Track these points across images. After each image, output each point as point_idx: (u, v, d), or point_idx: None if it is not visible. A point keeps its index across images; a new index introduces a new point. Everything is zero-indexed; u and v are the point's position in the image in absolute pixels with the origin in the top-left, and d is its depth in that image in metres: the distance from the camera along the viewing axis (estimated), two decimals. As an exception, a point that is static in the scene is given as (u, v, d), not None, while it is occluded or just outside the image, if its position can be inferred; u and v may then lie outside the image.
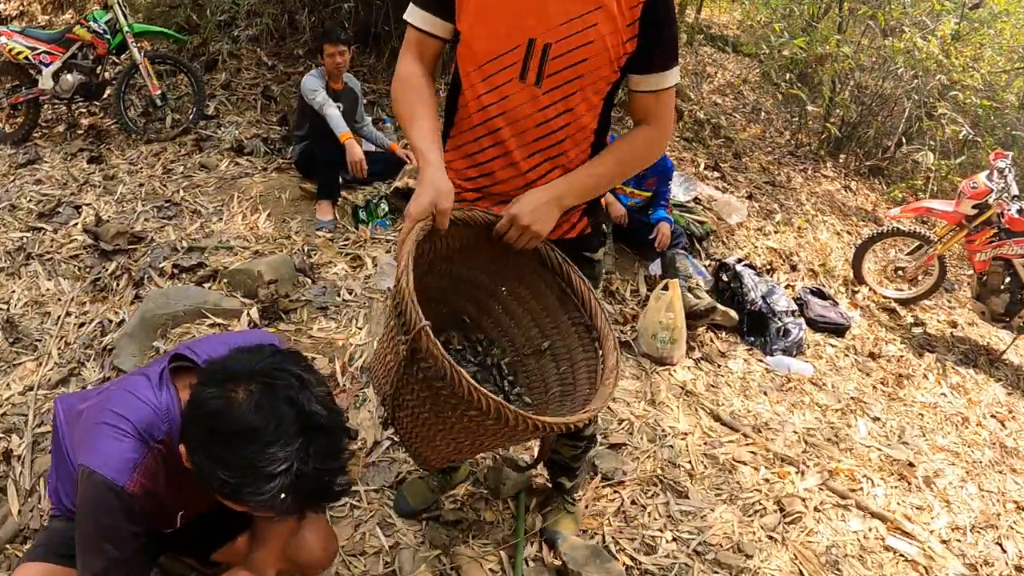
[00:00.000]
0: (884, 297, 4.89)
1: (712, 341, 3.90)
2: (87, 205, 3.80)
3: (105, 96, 4.90)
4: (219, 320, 2.86)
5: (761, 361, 3.85)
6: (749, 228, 5.12)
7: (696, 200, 5.17)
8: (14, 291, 3.17)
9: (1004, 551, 2.89)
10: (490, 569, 2.08)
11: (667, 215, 4.22)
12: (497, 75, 1.39)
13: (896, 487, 3.04)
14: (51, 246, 3.45)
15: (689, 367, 3.65)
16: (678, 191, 5.08)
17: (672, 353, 3.63)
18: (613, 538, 2.38)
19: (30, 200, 3.86)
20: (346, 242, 3.79)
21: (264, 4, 5.55)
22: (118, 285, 3.16)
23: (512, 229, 1.39)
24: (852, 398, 3.66)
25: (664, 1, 1.36)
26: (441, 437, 1.36)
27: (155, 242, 3.43)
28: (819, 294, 4.49)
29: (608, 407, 3.13)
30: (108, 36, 4.56)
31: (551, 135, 1.44)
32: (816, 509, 2.78)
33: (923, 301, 4.96)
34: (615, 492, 2.62)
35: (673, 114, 1.46)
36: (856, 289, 4.88)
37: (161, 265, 3.24)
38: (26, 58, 4.53)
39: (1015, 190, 4.33)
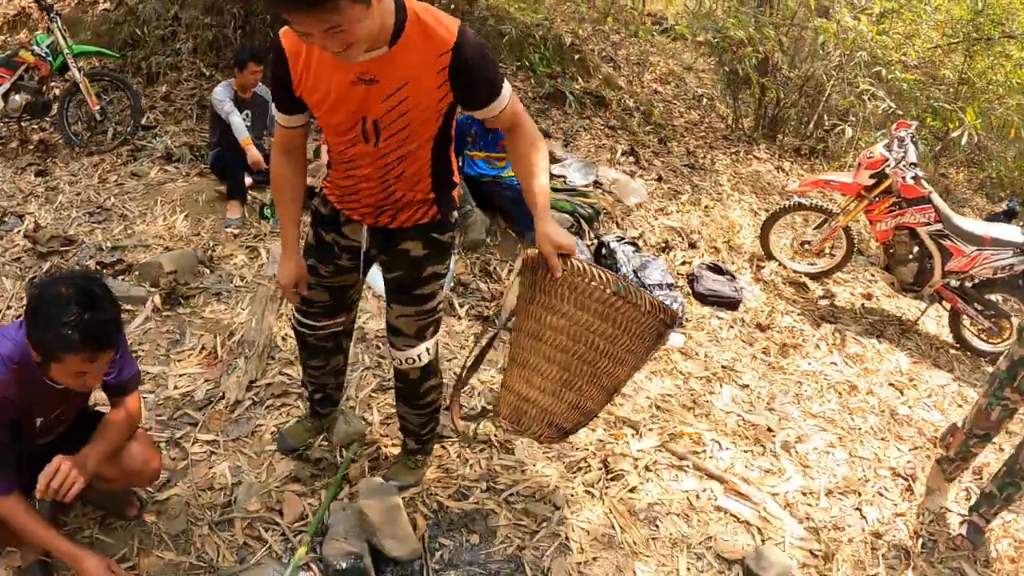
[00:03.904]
0: (795, 272, 4.64)
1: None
2: (29, 214, 4.16)
3: (52, 113, 5.10)
4: (127, 306, 3.20)
5: (632, 332, 3.59)
6: (649, 209, 4.92)
7: (597, 184, 5.00)
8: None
9: (863, 517, 2.64)
10: (308, 503, 2.26)
11: None
12: (347, 139, 1.77)
13: (747, 452, 2.83)
14: (-4, 251, 3.81)
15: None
16: (576, 176, 4.98)
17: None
18: (428, 486, 2.36)
19: (-21, 212, 4.18)
20: (249, 237, 3.99)
21: (201, 18, 5.89)
22: None
23: (553, 255, 1.66)
24: (723, 367, 3.43)
25: (466, 58, 1.60)
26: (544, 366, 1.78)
27: (84, 243, 3.81)
28: (715, 269, 4.29)
29: (454, 374, 2.97)
30: (50, 58, 4.86)
31: (390, 171, 1.82)
32: (647, 468, 2.62)
33: (837, 274, 4.71)
34: (443, 448, 2.58)
35: (520, 114, 1.75)
36: (762, 265, 4.64)
37: (87, 263, 3.62)
38: None
39: (912, 158, 4.11)
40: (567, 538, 2.20)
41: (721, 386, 3.26)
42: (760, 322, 3.96)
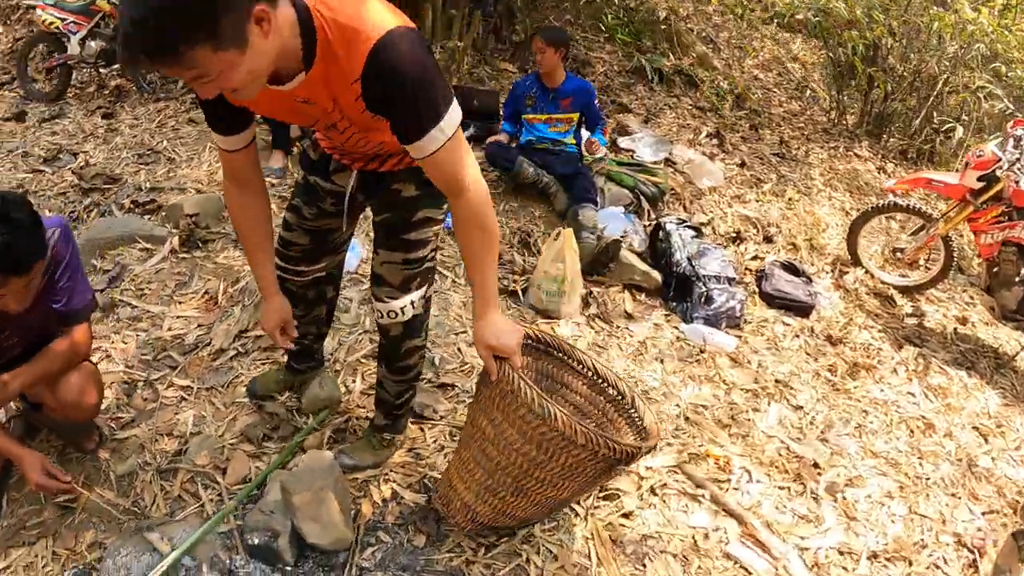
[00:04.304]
0: (882, 282, 4.05)
1: (622, 302, 3.26)
2: (84, 152, 4.26)
3: None
4: (147, 245, 3.17)
5: (677, 328, 3.18)
6: (724, 194, 4.43)
7: (669, 162, 4.56)
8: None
9: (910, 594, 2.14)
10: (256, 466, 2.09)
11: (604, 139, 3.91)
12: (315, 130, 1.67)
13: (782, 488, 2.36)
14: (46, 185, 3.90)
15: (579, 323, 3.04)
16: (645, 151, 4.59)
17: (560, 307, 3.08)
18: (389, 470, 2.10)
19: (42, 148, 4.35)
20: (285, 188, 3.82)
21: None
22: (88, 216, 3.59)
23: (489, 359, 1.51)
24: (777, 381, 2.97)
25: (375, 90, 1.30)
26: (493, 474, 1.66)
27: (127, 182, 3.81)
28: (790, 269, 3.78)
29: (458, 349, 2.74)
30: None
31: (368, 144, 1.62)
32: (652, 491, 2.20)
33: (930, 291, 4.08)
34: (420, 430, 2.31)
35: (461, 177, 1.40)
36: (846, 270, 4.08)
37: (123, 201, 3.60)
38: (57, 27, 4.97)
39: (1032, 162, 3.44)
40: (527, 560, 1.84)
41: (769, 404, 2.79)
42: (832, 334, 3.45)
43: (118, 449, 2.20)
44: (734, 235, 4.12)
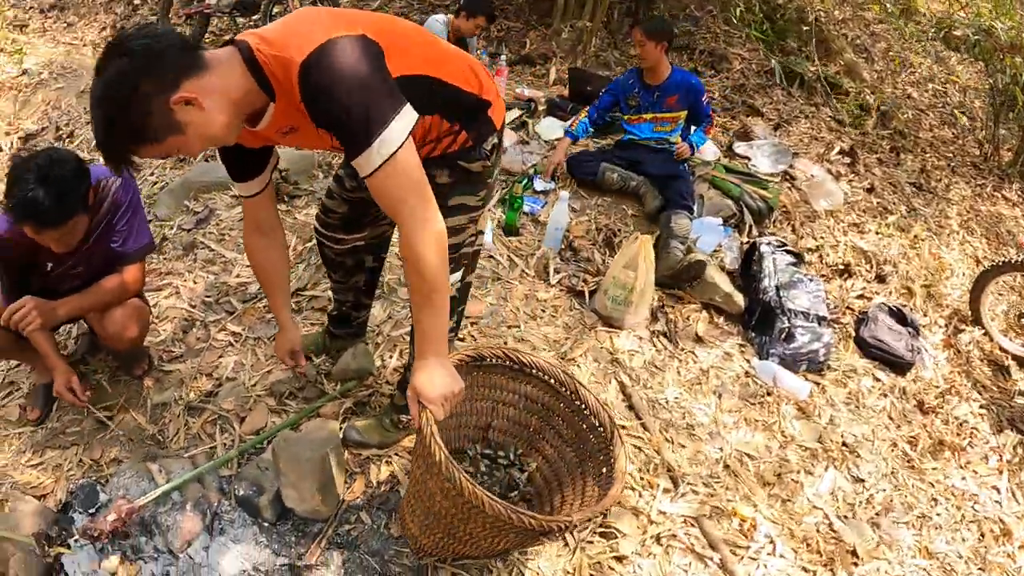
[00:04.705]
0: (1001, 349, 3.59)
1: (696, 322, 3.05)
2: None
3: (258, 15, 5.44)
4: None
5: (748, 362, 2.95)
6: (840, 220, 4.04)
7: (787, 176, 4.22)
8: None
9: None
10: (273, 421, 2.14)
11: (705, 138, 3.65)
12: None
13: (807, 571, 2.11)
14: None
15: (640, 337, 2.89)
16: (763, 160, 4.29)
17: (624, 316, 2.93)
18: (397, 453, 2.08)
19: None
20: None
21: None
22: (193, 159, 3.73)
23: (413, 403, 1.44)
24: (844, 444, 2.68)
25: (318, 105, 1.25)
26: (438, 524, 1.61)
27: None
28: (898, 316, 3.39)
29: (504, 342, 2.67)
30: None
31: None
32: (657, 539, 2.04)
33: (1060, 370, 3.57)
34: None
35: (398, 209, 1.29)
36: (963, 328, 3.64)
37: None
38: None
39: None
40: None
41: (827, 468, 2.53)
42: (925, 400, 3.09)
43: (161, 380, 2.33)
44: (842, 268, 3.76)
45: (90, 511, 1.82)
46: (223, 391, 2.24)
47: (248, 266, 2.80)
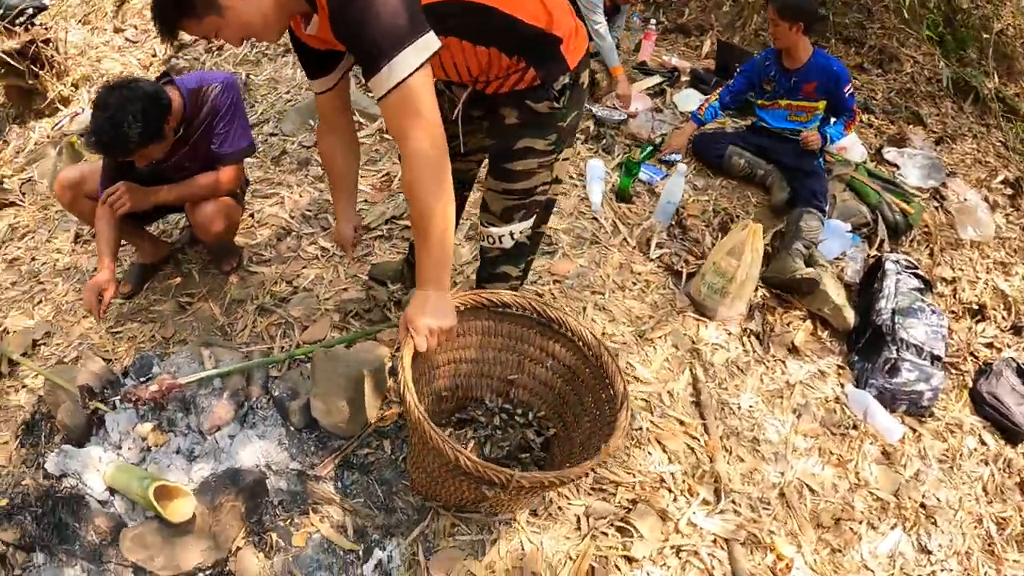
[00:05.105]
0: None
1: (795, 331, 2.83)
2: None
3: None
4: (361, 120, 3.40)
5: (843, 387, 2.71)
6: (986, 254, 3.61)
7: (936, 193, 3.81)
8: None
9: None
10: (332, 335, 2.20)
11: (843, 133, 3.30)
12: None
13: None
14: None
15: (730, 332, 2.72)
16: (912, 172, 3.92)
17: (717, 306, 2.76)
18: None
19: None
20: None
21: None
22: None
23: (403, 330, 1.43)
24: (922, 505, 2.41)
25: (339, 19, 1.24)
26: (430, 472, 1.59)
27: None
28: (1026, 376, 3.00)
29: (583, 308, 2.58)
30: None
31: (449, 70, 1.57)
32: (677, 551, 1.91)
33: None
34: None
35: (404, 133, 1.28)
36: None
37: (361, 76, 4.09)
38: None
39: None
40: (495, 540, 1.69)
41: (893, 527, 2.28)
42: (1031, 478, 2.74)
43: (245, 279, 2.43)
44: (976, 308, 3.35)
45: (141, 380, 1.94)
46: (295, 299, 2.32)
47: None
